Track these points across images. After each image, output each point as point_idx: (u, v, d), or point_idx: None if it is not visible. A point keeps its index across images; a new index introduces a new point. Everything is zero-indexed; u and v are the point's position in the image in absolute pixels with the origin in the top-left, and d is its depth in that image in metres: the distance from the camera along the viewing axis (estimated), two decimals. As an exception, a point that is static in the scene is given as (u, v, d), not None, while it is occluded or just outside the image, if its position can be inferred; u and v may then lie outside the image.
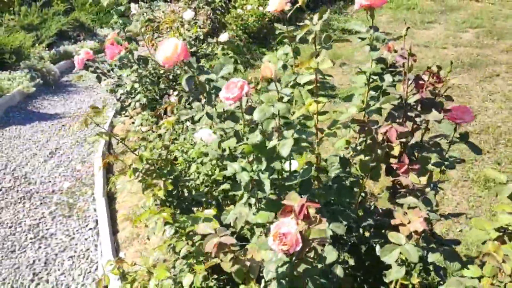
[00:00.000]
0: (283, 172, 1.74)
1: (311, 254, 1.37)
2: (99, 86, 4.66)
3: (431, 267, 1.68)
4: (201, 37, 3.81)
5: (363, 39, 1.69)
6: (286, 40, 1.84)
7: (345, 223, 1.63)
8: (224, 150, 1.97)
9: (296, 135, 1.53)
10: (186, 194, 2.28)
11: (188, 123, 2.72)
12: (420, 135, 1.72)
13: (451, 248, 1.53)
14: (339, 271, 1.55)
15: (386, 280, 1.55)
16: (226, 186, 1.98)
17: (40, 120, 4.51)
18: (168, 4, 6.36)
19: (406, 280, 1.53)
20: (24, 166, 3.65)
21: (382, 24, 7.25)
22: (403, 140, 1.55)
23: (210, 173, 2.40)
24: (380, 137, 1.59)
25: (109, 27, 6.43)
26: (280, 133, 1.58)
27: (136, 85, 3.06)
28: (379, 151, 1.63)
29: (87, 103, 4.80)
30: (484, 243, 1.49)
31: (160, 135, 2.69)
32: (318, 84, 1.67)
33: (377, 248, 1.69)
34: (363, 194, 1.86)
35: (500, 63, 5.41)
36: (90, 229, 2.78)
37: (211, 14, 4.40)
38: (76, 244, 2.67)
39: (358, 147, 1.78)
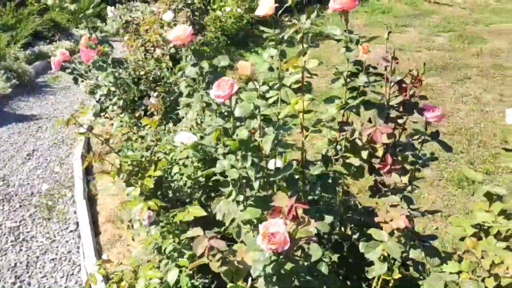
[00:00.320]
0: (268, 170, 1.79)
1: (298, 253, 1.41)
2: (76, 87, 4.61)
3: (410, 263, 1.74)
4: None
5: (338, 40, 1.75)
6: (271, 43, 1.89)
7: (329, 221, 1.68)
8: (217, 143, 1.99)
9: (276, 131, 1.58)
10: (170, 195, 2.29)
11: (170, 125, 2.73)
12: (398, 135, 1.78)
13: (431, 244, 1.59)
14: (324, 268, 1.59)
15: (369, 276, 1.60)
16: (217, 177, 2.00)
17: (16, 121, 4.43)
18: (147, 5, 6.32)
19: (388, 276, 1.59)
20: (2, 168, 3.58)
21: (357, 27, 7.39)
22: (387, 141, 1.61)
23: (192, 175, 2.41)
24: (364, 138, 1.64)
25: (85, 28, 6.34)
26: (261, 129, 1.62)
27: (113, 88, 3.05)
28: (363, 153, 1.69)
29: (64, 105, 4.73)
30: (462, 239, 1.55)
31: (141, 137, 2.69)
32: (304, 83, 1.71)
33: (360, 245, 1.73)
34: (346, 193, 1.91)
35: (471, 66, 5.59)
36: (71, 231, 2.76)
37: (191, 16, 4.41)
38: (58, 247, 2.65)
39: (339, 147, 1.83)
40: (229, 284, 1.53)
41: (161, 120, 2.72)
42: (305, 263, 1.47)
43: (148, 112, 3.42)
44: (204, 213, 1.96)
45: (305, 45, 1.68)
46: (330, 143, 1.82)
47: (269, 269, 1.36)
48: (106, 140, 2.21)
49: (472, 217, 1.54)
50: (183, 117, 2.76)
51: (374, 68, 1.78)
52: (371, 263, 1.59)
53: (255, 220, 1.72)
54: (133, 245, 2.66)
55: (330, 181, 1.74)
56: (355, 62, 1.73)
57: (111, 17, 5.27)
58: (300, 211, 1.29)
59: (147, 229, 2.20)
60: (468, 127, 4.11)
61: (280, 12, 1.75)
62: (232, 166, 1.68)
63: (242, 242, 1.69)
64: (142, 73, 3.61)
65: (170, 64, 3.56)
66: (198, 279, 2.05)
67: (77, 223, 2.81)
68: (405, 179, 1.62)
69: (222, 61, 1.93)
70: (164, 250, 2.05)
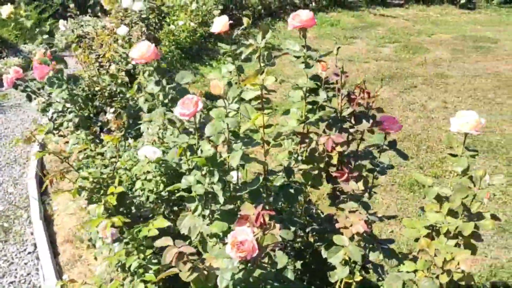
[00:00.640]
0: (232, 184, 1.83)
1: (266, 260, 1.47)
2: (27, 105, 4.47)
3: (369, 266, 1.84)
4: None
5: (297, 57, 1.84)
6: (229, 58, 1.95)
7: (293, 229, 1.74)
8: (180, 159, 2.02)
9: (243, 147, 1.63)
10: (133, 211, 2.29)
11: (130, 140, 2.72)
12: (356, 145, 1.88)
13: (389, 247, 1.68)
14: (290, 274, 1.65)
15: (332, 280, 1.68)
16: (179, 195, 2.01)
17: (-37, 141, 4.24)
18: (97, 19, 6.23)
19: (350, 279, 1.67)
20: (-49, 190, 3.42)
21: (308, 39, 7.56)
22: (341, 150, 1.70)
23: (155, 189, 2.42)
24: (320, 148, 1.72)
25: (40, 43, 6.17)
26: (229, 146, 1.67)
27: (68, 104, 3.00)
28: (320, 162, 1.78)
29: (15, 123, 4.57)
30: (416, 240, 1.66)
31: (100, 153, 2.67)
32: (263, 99, 1.78)
33: (323, 251, 1.82)
34: (307, 201, 1.99)
35: (416, 75, 5.89)
36: (29, 253, 2.68)
37: (146, 30, 4.40)
38: (16, 269, 2.56)
39: (299, 158, 1.91)
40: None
41: (122, 136, 2.70)
42: (272, 270, 1.53)
43: (105, 128, 3.38)
44: (167, 223, 1.97)
45: (262, 64, 1.75)
46: (290, 155, 1.89)
47: (238, 276, 1.40)
48: (66, 158, 2.18)
49: (425, 218, 1.66)
50: (143, 132, 2.77)
51: (329, 83, 1.88)
52: (333, 268, 1.67)
53: (221, 234, 1.76)
54: (94, 264, 2.62)
55: (292, 191, 1.81)
56: (313, 77, 1.81)
57: (62, 31, 5.17)
58: (267, 218, 1.34)
59: (110, 247, 2.18)
60: (416, 133, 4.33)
61: (236, 33, 1.82)
62: (198, 182, 1.71)
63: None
64: (97, 89, 3.57)
65: (127, 79, 3.54)
66: (165, 294, 2.06)
67: (35, 245, 2.74)
68: (361, 186, 1.71)
69: (185, 77, 1.95)
70: (129, 267, 2.05)
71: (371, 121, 1.73)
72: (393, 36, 7.82)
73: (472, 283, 1.38)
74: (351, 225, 1.54)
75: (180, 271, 1.41)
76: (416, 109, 4.91)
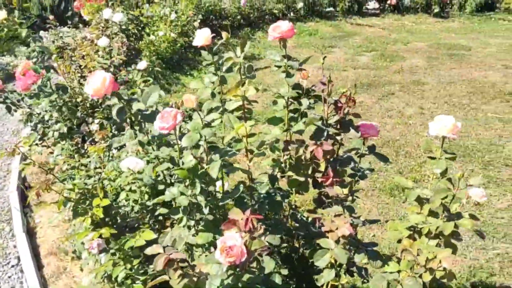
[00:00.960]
0: (216, 193, 1.86)
1: (254, 264, 1.50)
2: (6, 117, 4.42)
3: (354, 269, 1.88)
4: (118, 64, 3.81)
5: (279, 66, 1.89)
6: (212, 68, 1.98)
7: (279, 235, 1.78)
8: (158, 175, 2.04)
9: (223, 158, 1.67)
10: (119, 221, 2.29)
11: (114, 151, 2.72)
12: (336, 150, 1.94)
13: (372, 249, 1.73)
14: (278, 279, 1.69)
15: (318, 284, 1.72)
16: (162, 210, 2.03)
17: None
18: (75, 30, 6.21)
19: (336, 282, 1.71)
20: None
21: (288, 49, 7.68)
22: (328, 156, 1.75)
23: (139, 200, 2.42)
24: (308, 155, 1.77)
25: (11, 55, 6.12)
26: (208, 156, 1.70)
27: (56, 114, 3.00)
28: (306, 169, 1.83)
29: (-8, 135, 4.52)
30: (399, 241, 1.72)
31: (83, 164, 2.66)
32: (245, 110, 1.82)
33: (309, 255, 1.85)
34: (293, 207, 2.03)
35: (394, 83, 6.02)
36: (13, 266, 2.65)
37: (126, 41, 4.42)
38: (-1, 283, 2.54)
39: (283, 165, 1.95)
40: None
41: (106, 147, 2.70)
42: (260, 275, 1.56)
43: (89, 139, 3.37)
44: (155, 236, 1.98)
45: (242, 76, 1.80)
46: (275, 162, 1.93)
47: (228, 282, 1.43)
48: (51, 170, 2.18)
49: (406, 221, 1.71)
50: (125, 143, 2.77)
51: (311, 91, 1.93)
52: (320, 271, 1.71)
53: (206, 244, 1.78)
54: (79, 276, 2.61)
55: (278, 198, 1.85)
56: (295, 85, 1.86)
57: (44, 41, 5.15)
58: (255, 222, 1.38)
59: (96, 258, 2.18)
60: (395, 139, 4.43)
61: (217, 45, 1.86)
62: (182, 193, 1.73)
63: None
64: (79, 100, 3.56)
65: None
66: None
67: (18, 258, 2.70)
68: (345, 190, 1.76)
69: (152, 96, 1.84)
70: (116, 278, 2.04)
71: (357, 128, 1.79)
72: (370, 45, 7.98)
73: (454, 280, 1.43)
74: (336, 228, 1.58)
75: (170, 278, 1.43)
76: (394, 115, 5.02)
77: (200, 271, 1.44)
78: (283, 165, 1.95)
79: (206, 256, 1.75)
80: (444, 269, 1.42)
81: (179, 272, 1.39)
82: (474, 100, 5.43)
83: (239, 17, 8.47)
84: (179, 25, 6.45)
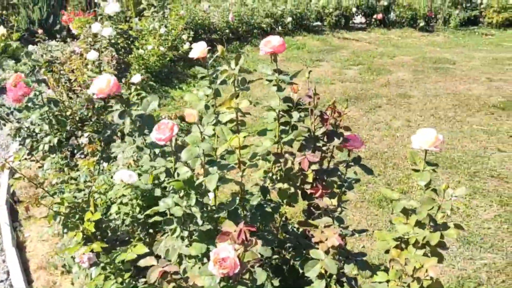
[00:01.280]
0: (209, 205, 1.88)
1: (246, 276, 1.52)
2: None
3: (344, 279, 1.91)
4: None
5: (270, 80, 1.93)
6: (206, 82, 2.02)
7: (271, 246, 1.80)
8: (155, 184, 2.05)
9: (219, 171, 1.69)
10: (109, 235, 2.29)
11: (104, 164, 2.73)
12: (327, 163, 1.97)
13: (362, 259, 1.76)
14: (269, 290, 1.71)
15: (309, 294, 1.74)
16: (158, 218, 2.04)
17: None
18: (64, 44, 6.22)
19: (326, 292, 1.73)
20: None
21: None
22: (315, 168, 1.78)
23: (131, 213, 2.43)
24: (296, 167, 1.80)
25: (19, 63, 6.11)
26: (205, 169, 1.72)
27: (46, 127, 3.01)
28: (295, 180, 1.86)
29: (-20, 149, 4.49)
30: (387, 252, 1.75)
31: (73, 178, 2.67)
32: (238, 122, 1.86)
33: (300, 266, 1.88)
34: (283, 219, 2.06)
35: (381, 96, 6.12)
36: (2, 281, 2.62)
37: (115, 55, 4.44)
38: (-12, 299, 2.51)
39: (274, 176, 1.98)
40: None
41: (96, 160, 2.71)
42: (253, 286, 1.58)
43: (77, 153, 3.37)
44: (147, 250, 1.99)
45: (236, 88, 1.84)
46: (266, 174, 1.96)
47: (220, 294, 1.45)
48: (41, 184, 2.18)
49: (395, 231, 1.75)
50: (117, 156, 2.78)
51: (301, 104, 1.97)
52: (310, 282, 1.73)
53: (200, 255, 1.80)
54: (70, 290, 2.59)
55: (269, 209, 1.87)
56: (285, 98, 1.90)
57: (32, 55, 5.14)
58: (248, 234, 1.40)
59: (87, 272, 2.18)
60: (383, 151, 4.49)
61: (212, 59, 1.90)
62: (176, 204, 1.75)
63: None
64: (68, 113, 3.57)
65: (102, 102, 3.56)
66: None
67: (8, 272, 2.68)
68: (334, 201, 1.80)
69: (152, 103, 1.95)
70: (107, 291, 2.04)
71: (341, 138, 1.83)
72: (357, 58, 8.10)
73: (441, 289, 1.47)
74: (326, 239, 1.61)
75: (163, 290, 1.44)
76: (382, 128, 5.10)
77: (194, 283, 1.45)
78: (273, 177, 1.98)
79: (199, 268, 1.77)
80: (431, 278, 1.45)
81: (173, 284, 1.41)
82: (459, 113, 5.53)
83: (227, 31, 8.56)
84: (169, 40, 6.50)
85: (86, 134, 3.19)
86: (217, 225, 1.85)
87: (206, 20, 8.25)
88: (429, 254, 1.63)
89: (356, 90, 6.33)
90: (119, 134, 3.18)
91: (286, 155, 1.85)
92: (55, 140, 2.96)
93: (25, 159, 3.22)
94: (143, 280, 2.11)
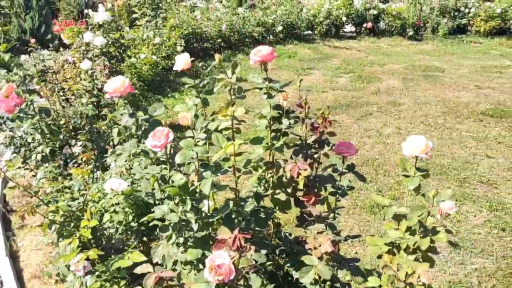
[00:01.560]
0: (204, 211, 1.91)
1: (241, 282, 1.54)
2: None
3: (338, 285, 1.94)
4: (101, 87, 3.85)
5: (260, 88, 1.97)
6: (194, 91, 2.05)
7: (264, 252, 1.83)
8: (147, 193, 2.07)
9: (213, 175, 1.72)
10: (104, 243, 2.30)
11: (98, 173, 2.75)
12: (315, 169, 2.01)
13: (355, 264, 1.80)
14: (264, 296, 1.73)
15: (303, 300, 1.76)
16: (155, 222, 2.05)
17: None
18: (55, 53, 6.22)
19: (320, 298, 1.76)
20: None
21: (268, 71, 7.84)
22: (306, 175, 1.81)
23: (124, 221, 2.44)
24: (288, 174, 1.84)
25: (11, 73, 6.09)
26: (199, 173, 1.75)
27: (38, 136, 3.02)
28: (287, 187, 1.89)
29: (-29, 159, 4.47)
30: (379, 257, 1.78)
31: (67, 187, 2.67)
32: (234, 129, 1.89)
33: (294, 272, 1.90)
34: (277, 225, 2.08)
35: (371, 103, 6.19)
36: (-5, 291, 2.62)
37: (108, 64, 4.46)
38: (-19, 309, 2.50)
39: (266, 184, 2.01)
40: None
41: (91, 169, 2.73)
42: (248, 293, 1.60)
43: (70, 162, 3.38)
44: (143, 258, 2.01)
45: (232, 96, 1.87)
46: (259, 181, 1.99)
47: (216, 300, 1.47)
48: (36, 193, 2.19)
49: (386, 236, 1.78)
50: (109, 165, 2.80)
51: (291, 111, 2.01)
52: (305, 288, 1.76)
53: (195, 261, 1.82)
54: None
55: (263, 215, 1.90)
56: (275, 106, 1.94)
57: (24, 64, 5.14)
58: (243, 241, 1.43)
59: (82, 280, 2.18)
60: (374, 158, 4.54)
61: (208, 69, 1.94)
62: (172, 210, 1.77)
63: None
64: (61, 122, 3.58)
65: (96, 111, 3.58)
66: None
67: (1, 282, 2.67)
68: (326, 207, 1.83)
69: (158, 109, 2.05)
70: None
71: (331, 145, 1.88)
72: (348, 66, 8.19)
73: (432, 293, 1.50)
74: (319, 245, 1.64)
75: (160, 297, 1.46)
76: (373, 135, 5.16)
77: (189, 288, 1.48)
78: (266, 184, 2.01)
79: (195, 275, 1.79)
80: (423, 284, 1.49)
81: (168, 290, 1.43)
82: (448, 120, 5.61)
83: (219, 40, 8.62)
84: (164, 49, 6.53)
85: (79, 143, 3.20)
86: (212, 231, 1.87)
87: (198, 29, 8.30)
88: (420, 259, 1.67)
89: (347, 98, 6.40)
90: (111, 143, 3.19)
91: (278, 162, 1.88)
92: (47, 150, 2.96)
93: (19, 168, 3.22)
94: (141, 287, 2.13)
